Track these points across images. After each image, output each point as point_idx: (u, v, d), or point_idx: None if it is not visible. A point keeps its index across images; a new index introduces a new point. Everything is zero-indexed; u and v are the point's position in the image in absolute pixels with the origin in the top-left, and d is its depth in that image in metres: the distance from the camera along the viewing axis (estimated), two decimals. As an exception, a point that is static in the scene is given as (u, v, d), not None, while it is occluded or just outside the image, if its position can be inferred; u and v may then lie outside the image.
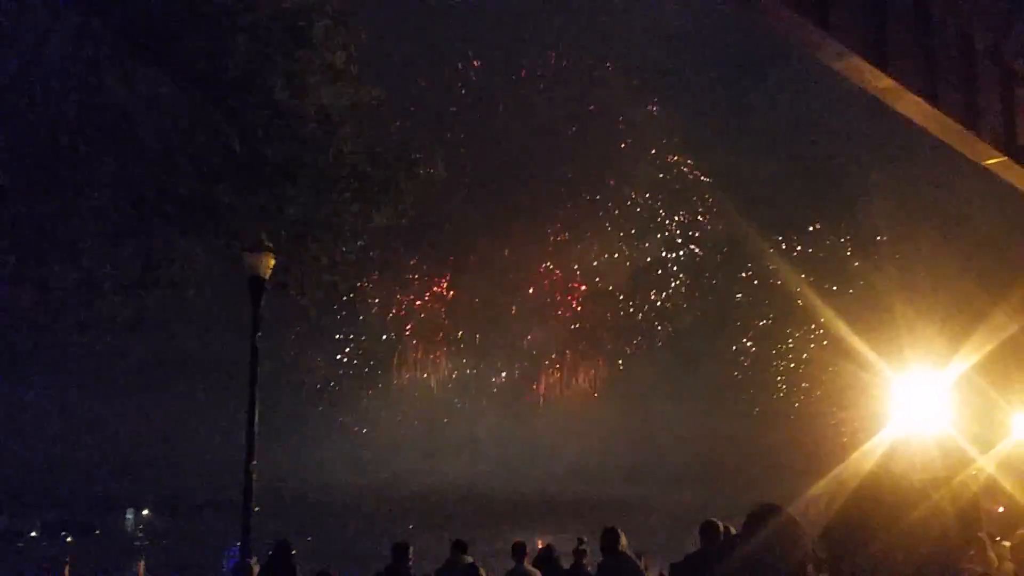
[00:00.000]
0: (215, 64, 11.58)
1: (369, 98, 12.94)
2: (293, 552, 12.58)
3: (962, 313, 35.74)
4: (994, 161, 14.44)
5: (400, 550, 12.73)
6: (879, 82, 12.51)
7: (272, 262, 13.27)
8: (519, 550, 13.67)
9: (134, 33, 11.69)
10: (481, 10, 62.18)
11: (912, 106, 13.12)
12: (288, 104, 11.97)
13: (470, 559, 13.10)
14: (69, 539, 54.10)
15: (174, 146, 12.28)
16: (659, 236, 69.20)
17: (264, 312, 13.81)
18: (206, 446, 53.92)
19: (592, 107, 67.95)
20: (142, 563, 49.22)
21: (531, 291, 71.20)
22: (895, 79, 12.42)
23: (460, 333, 70.82)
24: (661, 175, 66.22)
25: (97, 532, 58.59)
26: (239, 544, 13.59)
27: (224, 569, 30.35)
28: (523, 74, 66.57)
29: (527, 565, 13.81)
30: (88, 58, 11.73)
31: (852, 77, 12.72)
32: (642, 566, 12.50)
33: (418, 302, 70.64)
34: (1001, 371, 32.26)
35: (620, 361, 70.72)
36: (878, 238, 57.19)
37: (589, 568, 14.67)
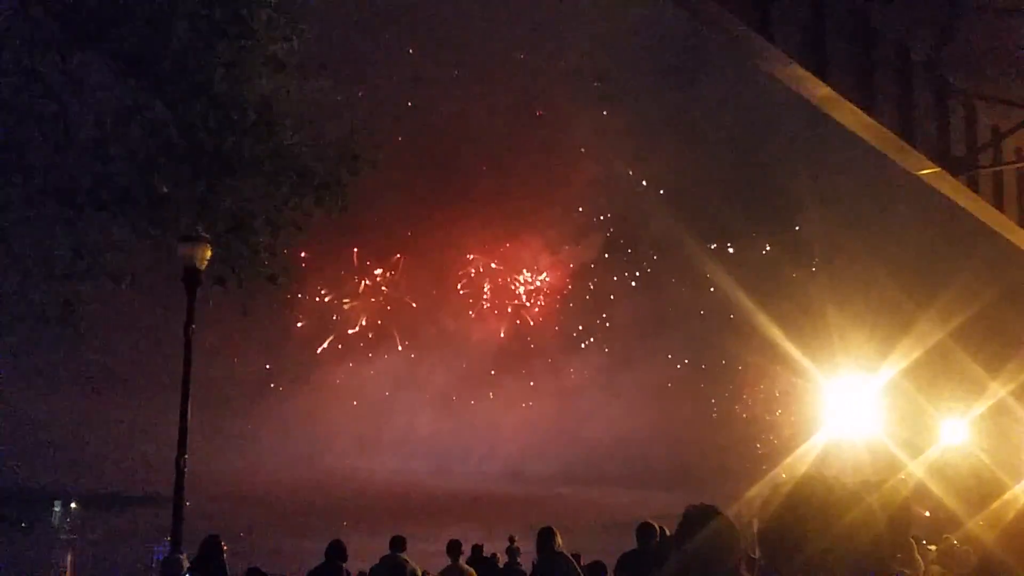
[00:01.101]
0: (154, 51, 11.37)
1: (312, 91, 12.82)
2: (224, 547, 12.40)
3: (891, 320, 36.37)
4: (928, 172, 14.69)
5: (334, 548, 12.63)
6: (817, 90, 12.66)
7: (208, 253, 13.07)
8: (454, 548, 13.66)
9: (71, 17, 11.44)
10: (427, 9, 62.06)
11: (849, 115, 13.29)
12: (228, 94, 11.79)
13: (404, 556, 13.04)
14: (-6, 531, 52.87)
15: (110, 133, 12.04)
16: (599, 237, 69.61)
17: (199, 304, 13.60)
18: (136, 439, 53.11)
19: (536, 110, 68.18)
20: (70, 557, 48.29)
21: (470, 289, 71.23)
22: (833, 88, 12.57)
23: (397, 329, 70.59)
24: (603, 177, 66.57)
25: (23, 525, 57.33)
26: (169, 539, 13.39)
27: (153, 563, 29.87)
28: (468, 74, 66.52)
29: (462, 563, 13.80)
30: (23, 41, 11.45)
31: (791, 84, 12.86)
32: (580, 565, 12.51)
33: (356, 297, 70.28)
34: (928, 378, 32.93)
35: (557, 360, 70.99)
36: (812, 245, 58.06)
37: (522, 566, 14.70)
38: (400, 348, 69.94)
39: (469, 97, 65.37)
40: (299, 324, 66.24)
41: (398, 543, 13.24)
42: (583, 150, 67.24)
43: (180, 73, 11.52)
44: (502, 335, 71.56)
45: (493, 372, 70.45)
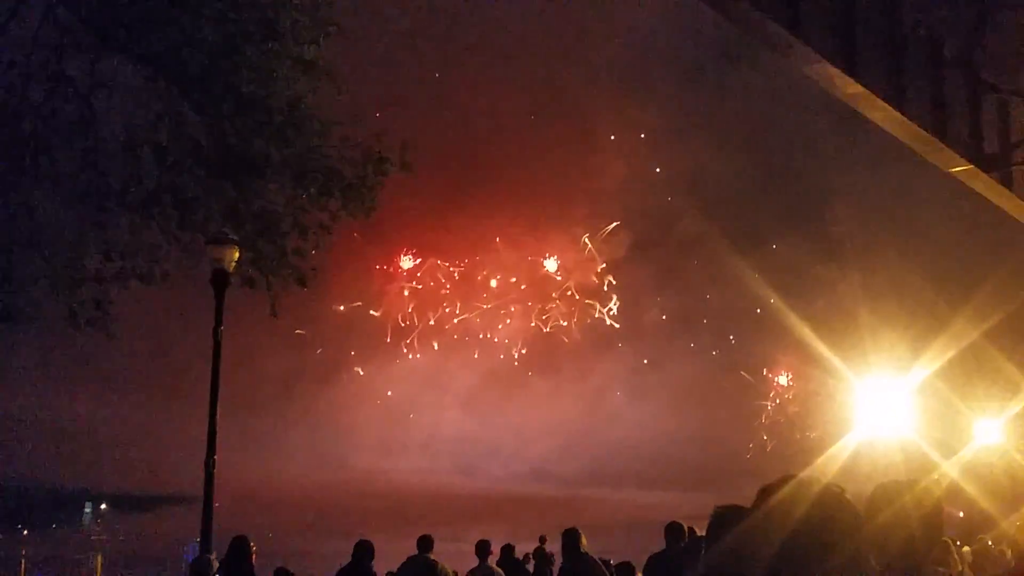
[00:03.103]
0: (182, 54, 11.43)
1: (339, 93, 12.84)
2: (253, 548, 12.43)
3: (924, 320, 36.01)
4: (960, 169, 14.54)
5: (362, 548, 12.61)
6: (848, 88, 12.57)
7: (237, 255, 13.09)
8: (483, 548, 13.59)
9: (100, 21, 11.52)
10: (450, 10, 62.04)
11: (880, 113, 13.18)
12: (256, 96, 11.83)
13: (432, 556, 12.99)
14: (25, 532, 53.40)
15: (139, 136, 12.13)
16: (625, 235, 69.26)
17: (227, 306, 13.63)
18: (165, 440, 53.46)
19: (559, 107, 68.04)
20: (100, 558, 48.70)
21: (494, 288, 71.13)
22: (864, 85, 12.47)
23: (422, 330, 70.64)
24: (627, 175, 66.23)
25: (54, 526, 57.92)
26: (198, 539, 13.43)
27: (183, 564, 30.07)
28: (491, 74, 66.54)
29: (491, 564, 13.74)
30: (53, 46, 11.54)
31: (822, 82, 12.77)
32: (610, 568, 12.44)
33: (381, 298, 70.40)
34: (962, 378, 32.60)
35: (583, 360, 70.77)
36: (843, 244, 57.53)
37: (555, 568, 14.63)
38: (425, 349, 69.95)
39: (494, 94, 65.35)
40: (323, 326, 66.23)
41: (426, 543, 13.18)
42: (610, 147, 67.04)
43: (208, 76, 11.57)
44: (529, 335, 71.42)
45: (519, 372, 70.29)
